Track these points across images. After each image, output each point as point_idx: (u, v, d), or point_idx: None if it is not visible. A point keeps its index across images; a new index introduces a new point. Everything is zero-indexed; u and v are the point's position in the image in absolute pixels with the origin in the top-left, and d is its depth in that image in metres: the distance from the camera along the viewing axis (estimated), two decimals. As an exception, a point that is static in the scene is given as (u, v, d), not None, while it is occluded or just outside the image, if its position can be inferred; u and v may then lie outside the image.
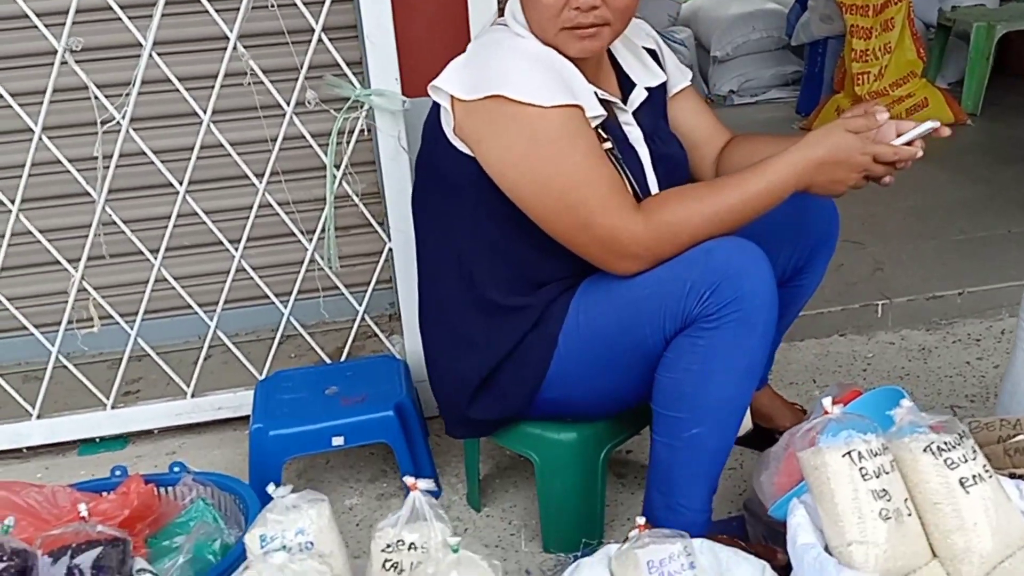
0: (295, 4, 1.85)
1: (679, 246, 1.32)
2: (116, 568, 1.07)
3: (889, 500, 1.22)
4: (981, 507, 1.21)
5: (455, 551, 1.08)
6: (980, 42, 4.04)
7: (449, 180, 1.41)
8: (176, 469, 1.62)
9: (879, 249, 2.74)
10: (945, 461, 1.24)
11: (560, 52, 1.38)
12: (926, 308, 2.45)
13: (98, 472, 2.04)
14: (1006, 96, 4.26)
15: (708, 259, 1.29)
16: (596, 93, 1.40)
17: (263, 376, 2.10)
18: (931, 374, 2.24)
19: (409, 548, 1.16)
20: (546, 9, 1.33)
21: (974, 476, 1.23)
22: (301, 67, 1.86)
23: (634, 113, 1.49)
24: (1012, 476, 1.34)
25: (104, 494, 1.51)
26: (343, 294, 2.11)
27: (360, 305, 2.09)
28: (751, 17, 4.88)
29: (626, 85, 1.52)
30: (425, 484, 1.18)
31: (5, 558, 1.07)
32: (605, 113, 1.40)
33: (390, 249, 2.02)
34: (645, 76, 1.53)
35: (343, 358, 2.16)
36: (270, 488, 1.18)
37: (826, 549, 1.25)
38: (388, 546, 1.17)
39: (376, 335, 2.43)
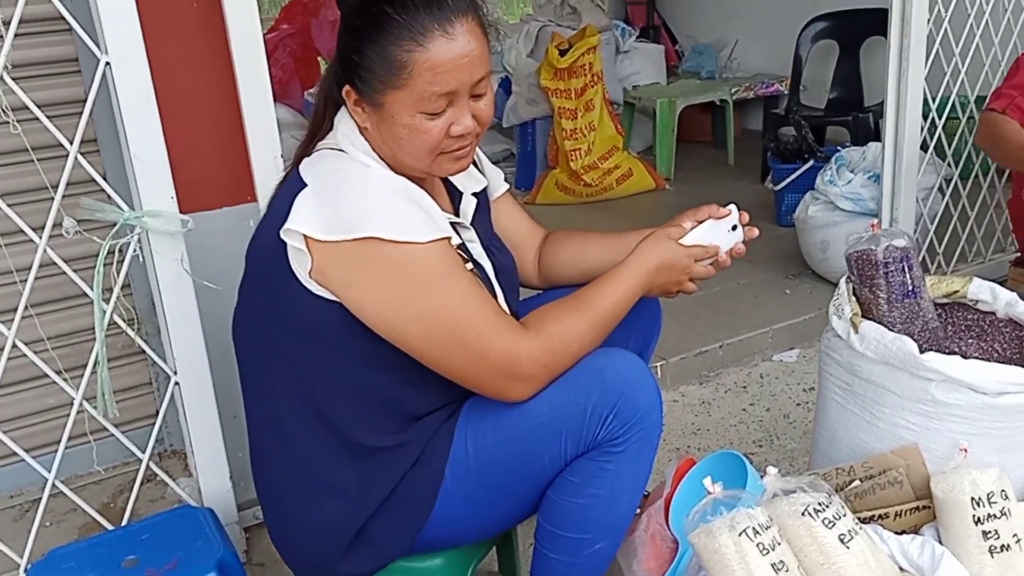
0: (37, 119, 1.58)
1: (572, 358, 1.29)
2: None
3: (788, 571, 1.26)
4: (862, 560, 1.29)
5: None
6: (665, 116, 4.53)
7: (299, 323, 1.26)
8: None
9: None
10: (823, 521, 1.30)
11: (419, 177, 1.32)
12: (696, 363, 2.64)
13: None
14: (687, 161, 4.80)
15: (602, 379, 1.27)
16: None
17: (25, 559, 1.73)
18: (717, 425, 2.40)
19: None
20: (425, 144, 1.26)
21: (850, 531, 1.31)
22: (55, 188, 1.59)
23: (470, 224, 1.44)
24: (861, 522, 1.45)
25: None
26: (115, 438, 1.79)
27: (145, 449, 1.80)
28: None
29: (453, 194, 1.47)
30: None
31: None
32: (461, 239, 1.35)
33: (176, 383, 1.78)
34: (469, 182, 1.49)
35: (125, 519, 1.84)
36: None
37: (733, 630, 1.26)
38: None
39: (150, 481, 2.13)
